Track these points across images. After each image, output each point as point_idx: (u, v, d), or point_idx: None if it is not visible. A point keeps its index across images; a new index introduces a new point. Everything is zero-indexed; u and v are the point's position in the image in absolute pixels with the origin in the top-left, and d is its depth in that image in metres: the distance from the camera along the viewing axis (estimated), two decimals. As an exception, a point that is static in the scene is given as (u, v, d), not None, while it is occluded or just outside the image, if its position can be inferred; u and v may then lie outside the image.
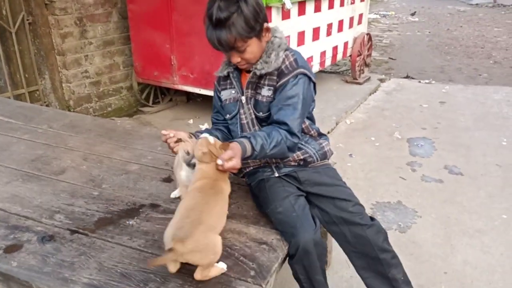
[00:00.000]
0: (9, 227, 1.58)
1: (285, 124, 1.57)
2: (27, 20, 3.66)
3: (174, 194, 1.78)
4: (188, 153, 1.54)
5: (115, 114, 4.44)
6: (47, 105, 3.93)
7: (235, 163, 1.41)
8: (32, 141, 2.30)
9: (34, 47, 3.79)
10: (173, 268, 1.31)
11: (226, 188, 1.47)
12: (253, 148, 1.50)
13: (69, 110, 3.91)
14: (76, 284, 1.31)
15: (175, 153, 1.63)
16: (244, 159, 1.51)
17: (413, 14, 10.62)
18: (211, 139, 1.45)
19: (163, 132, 1.63)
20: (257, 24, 1.55)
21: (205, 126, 4.05)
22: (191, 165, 1.52)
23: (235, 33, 1.51)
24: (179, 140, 1.59)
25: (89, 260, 1.41)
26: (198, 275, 1.30)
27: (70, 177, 1.94)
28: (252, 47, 1.58)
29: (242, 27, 1.51)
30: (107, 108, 4.38)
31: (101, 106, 4.31)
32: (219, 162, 1.39)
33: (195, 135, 1.73)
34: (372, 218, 1.72)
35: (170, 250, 1.24)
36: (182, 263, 1.32)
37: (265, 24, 1.59)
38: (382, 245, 1.68)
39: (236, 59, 1.61)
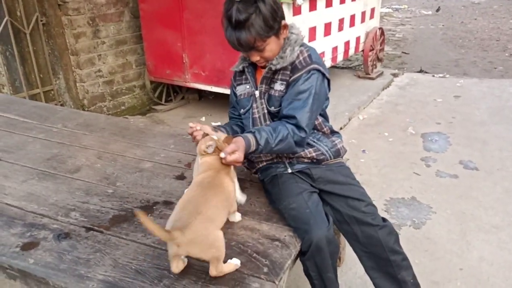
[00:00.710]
0: (25, 225, 1.61)
1: (294, 117, 1.57)
2: (41, 21, 3.71)
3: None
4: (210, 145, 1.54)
5: (128, 112, 4.48)
6: (61, 105, 3.99)
7: (238, 156, 1.42)
8: (47, 140, 2.33)
9: (48, 47, 3.84)
10: (175, 267, 1.32)
11: (228, 181, 1.45)
12: (257, 142, 1.51)
13: (83, 109, 3.96)
14: (92, 281, 1.33)
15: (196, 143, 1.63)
16: (249, 153, 1.52)
17: (437, 10, 10.39)
18: (215, 136, 1.47)
19: (191, 124, 1.63)
20: (275, 23, 1.56)
21: (218, 123, 4.06)
22: None
23: (254, 34, 1.52)
24: (205, 135, 1.58)
25: (104, 257, 1.43)
26: (213, 271, 1.30)
27: (85, 175, 1.97)
28: (271, 45, 1.59)
29: (261, 27, 1.52)
30: (120, 106, 4.42)
31: (115, 105, 4.36)
32: (222, 155, 1.42)
33: (220, 129, 1.75)
34: (384, 219, 1.71)
35: (167, 231, 1.21)
36: (185, 266, 1.34)
37: (283, 22, 1.60)
38: (393, 246, 1.67)
39: (255, 57, 1.63)
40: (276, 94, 1.67)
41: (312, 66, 1.61)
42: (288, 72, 1.64)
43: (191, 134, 1.62)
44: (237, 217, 1.60)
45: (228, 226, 1.53)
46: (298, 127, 1.57)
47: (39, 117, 2.65)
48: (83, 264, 1.40)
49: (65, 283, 1.34)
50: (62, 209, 1.71)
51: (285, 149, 1.60)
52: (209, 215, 1.30)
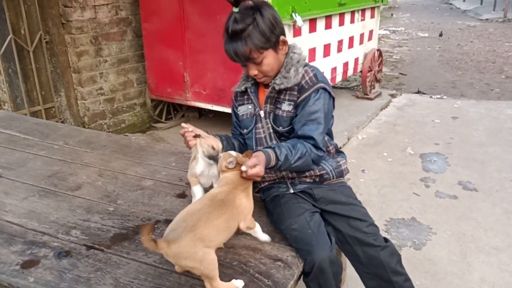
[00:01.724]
0: (26, 243, 1.60)
1: (312, 138, 1.59)
2: (44, 39, 3.75)
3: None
4: (213, 148, 1.55)
5: (128, 130, 4.49)
6: (62, 122, 4.00)
7: (259, 170, 1.42)
8: (48, 157, 2.33)
9: (50, 65, 3.88)
10: (179, 267, 1.36)
11: (242, 197, 1.43)
12: (277, 158, 1.52)
13: (84, 127, 3.97)
14: (93, 300, 1.32)
15: (190, 147, 1.64)
16: (269, 168, 1.53)
17: (440, 35, 10.54)
18: (234, 153, 1.48)
19: (183, 125, 1.65)
20: (272, 36, 1.58)
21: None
22: (216, 160, 1.54)
23: (250, 44, 1.54)
24: (197, 136, 1.60)
25: (105, 276, 1.42)
26: (207, 286, 1.30)
27: (86, 193, 1.96)
28: (269, 59, 1.61)
29: (258, 38, 1.54)
30: (120, 124, 4.44)
31: (115, 123, 4.37)
32: (243, 168, 1.41)
33: (215, 135, 1.75)
34: (386, 240, 1.70)
35: (153, 241, 1.22)
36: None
37: (282, 37, 1.62)
38: (395, 267, 1.66)
39: (253, 71, 1.64)
40: (284, 115, 1.69)
41: (319, 85, 1.64)
42: (295, 93, 1.66)
43: (183, 134, 1.64)
44: (264, 236, 1.57)
45: (230, 245, 1.53)
46: (316, 147, 1.60)
47: (41, 134, 2.66)
48: (84, 283, 1.39)
49: (65, 302, 1.33)
50: (63, 227, 1.70)
51: (303, 166, 1.61)
52: (204, 235, 1.28)
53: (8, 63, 3.61)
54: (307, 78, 1.65)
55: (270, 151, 1.52)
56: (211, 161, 1.57)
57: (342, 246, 1.72)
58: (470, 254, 2.54)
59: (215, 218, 1.33)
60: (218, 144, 1.57)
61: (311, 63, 4.32)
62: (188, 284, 1.37)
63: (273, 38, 1.59)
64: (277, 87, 1.65)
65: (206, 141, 1.57)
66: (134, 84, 4.51)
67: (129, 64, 4.38)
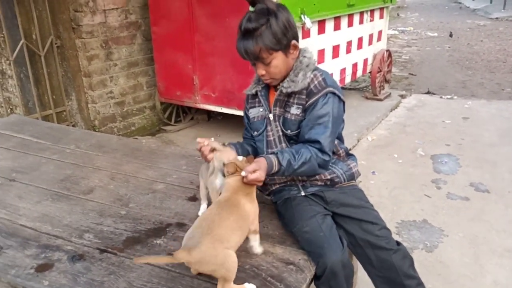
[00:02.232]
0: (40, 246, 1.61)
1: (318, 142, 1.59)
2: (56, 43, 3.79)
3: (200, 211, 1.79)
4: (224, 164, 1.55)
5: (138, 133, 4.52)
6: (73, 125, 4.04)
7: (259, 175, 1.44)
8: (60, 161, 2.36)
9: (61, 69, 3.92)
10: (194, 270, 1.38)
11: (245, 202, 1.44)
12: (279, 163, 1.53)
13: (94, 130, 4.00)
14: (106, 304, 1.33)
15: (208, 161, 1.64)
16: (272, 174, 1.54)
17: (451, 35, 10.45)
18: (240, 157, 1.51)
19: (199, 140, 1.65)
20: (284, 39, 1.59)
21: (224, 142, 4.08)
22: None
23: (261, 44, 1.56)
24: (213, 150, 1.61)
25: (119, 280, 1.43)
26: (219, 287, 1.31)
27: (98, 197, 1.98)
28: (278, 61, 1.61)
29: (269, 39, 1.56)
30: (130, 127, 4.47)
31: (125, 126, 4.40)
32: (243, 173, 1.43)
33: (230, 145, 1.77)
34: (398, 243, 1.69)
35: (169, 254, 1.24)
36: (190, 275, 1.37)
37: (293, 41, 1.63)
38: (408, 271, 1.65)
39: (261, 71, 1.65)
40: (293, 118, 1.69)
41: (328, 89, 1.63)
42: (304, 97, 1.66)
43: (199, 149, 1.65)
44: (258, 248, 1.54)
45: (242, 249, 1.52)
46: (322, 151, 1.59)
47: (53, 138, 2.68)
48: (98, 286, 1.40)
49: (80, 305, 1.34)
50: (76, 231, 1.72)
51: (309, 171, 1.62)
52: (220, 235, 1.31)
53: (20, 68, 3.66)
54: (316, 82, 1.65)
55: (272, 156, 1.53)
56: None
57: (354, 249, 1.71)
58: (482, 257, 2.51)
59: (226, 218, 1.36)
60: (233, 157, 1.57)
61: (320, 65, 4.33)
62: (201, 287, 1.37)
63: (285, 41, 1.60)
64: (284, 90, 1.66)
65: (223, 154, 1.57)
66: (144, 87, 4.54)
67: (138, 67, 4.42)
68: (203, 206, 1.76)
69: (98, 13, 3.88)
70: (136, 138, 4.29)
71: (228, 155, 1.57)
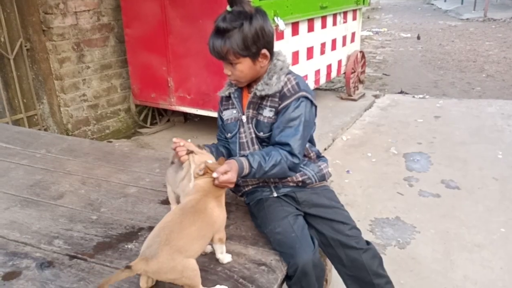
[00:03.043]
0: (7, 254, 1.58)
1: (287, 144, 1.60)
2: (25, 46, 3.71)
3: None
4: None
5: (113, 136, 4.46)
6: (45, 129, 3.96)
7: (230, 176, 1.43)
8: (30, 166, 2.31)
9: (32, 72, 3.84)
10: (144, 283, 1.33)
11: (213, 206, 1.40)
12: (250, 165, 1.53)
13: (68, 134, 3.93)
14: (76, 311, 1.31)
15: (182, 162, 1.60)
16: (243, 177, 1.54)
17: (418, 38, 10.62)
18: (210, 160, 1.48)
19: (174, 140, 1.63)
20: (253, 47, 1.58)
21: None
22: None
23: (228, 45, 1.56)
24: (189, 152, 1.56)
25: (88, 286, 1.41)
26: None
27: (69, 202, 1.95)
28: (243, 66, 1.62)
29: (237, 43, 1.56)
30: (105, 130, 4.41)
31: (99, 129, 4.34)
32: (214, 175, 1.41)
33: (205, 147, 1.75)
34: (368, 242, 1.72)
35: (127, 267, 1.22)
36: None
37: (264, 50, 1.62)
38: (377, 270, 1.68)
39: (227, 71, 1.66)
40: (265, 121, 1.70)
41: (300, 93, 1.64)
42: (277, 99, 1.66)
43: (174, 149, 1.63)
44: (226, 257, 1.50)
45: (213, 252, 1.52)
46: (292, 154, 1.60)
47: (22, 142, 2.62)
48: (67, 293, 1.38)
49: (48, 313, 1.32)
50: (45, 237, 1.68)
51: (279, 173, 1.62)
52: (180, 246, 1.27)
53: (-12, 71, 3.57)
54: (289, 86, 1.66)
55: (243, 158, 1.54)
56: None
57: (325, 249, 1.73)
58: (453, 252, 2.58)
59: (187, 226, 1.31)
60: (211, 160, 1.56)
61: (294, 66, 4.35)
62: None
63: (254, 49, 1.59)
64: (258, 93, 1.66)
65: (200, 157, 1.54)
66: (118, 90, 4.48)
67: (112, 70, 4.36)
68: (172, 207, 1.72)
69: (69, 15, 3.82)
70: (111, 141, 4.24)
71: (205, 158, 1.54)
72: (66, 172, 2.24)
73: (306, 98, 1.65)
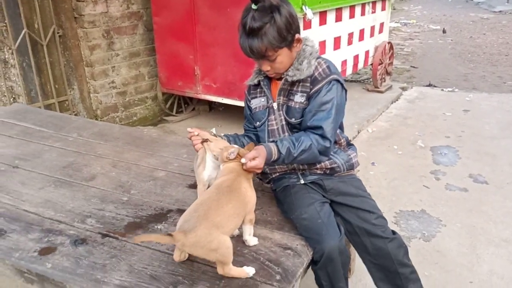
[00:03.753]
0: (43, 231, 1.65)
1: (320, 128, 1.60)
2: (58, 33, 3.80)
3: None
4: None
5: (140, 123, 4.55)
6: (75, 115, 4.06)
7: (258, 162, 1.46)
8: (63, 149, 2.38)
9: (64, 59, 3.93)
10: (177, 256, 1.40)
11: (246, 186, 1.46)
12: (279, 151, 1.54)
13: (97, 120, 4.03)
14: (108, 286, 1.36)
15: (197, 150, 1.68)
16: (272, 162, 1.56)
17: (444, 32, 10.34)
18: (236, 146, 1.52)
19: (189, 129, 1.69)
20: (289, 35, 1.59)
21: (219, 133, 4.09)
22: None
23: (266, 43, 1.56)
24: (204, 140, 1.62)
25: (120, 263, 1.46)
26: (220, 270, 1.35)
27: (100, 183, 2.01)
28: (283, 57, 1.62)
29: (274, 37, 1.55)
30: (132, 117, 4.49)
31: (127, 116, 4.43)
32: (243, 160, 1.45)
33: (223, 136, 1.78)
34: (394, 232, 1.72)
35: (169, 235, 1.27)
36: (199, 272, 1.38)
37: (297, 35, 1.63)
38: (402, 259, 1.68)
39: (266, 67, 1.66)
40: (297, 106, 1.70)
41: (332, 76, 1.64)
42: (308, 84, 1.67)
43: (190, 138, 1.68)
44: (252, 240, 1.54)
45: (240, 234, 1.55)
46: (323, 137, 1.60)
47: (55, 126, 2.71)
48: (100, 269, 1.43)
49: (82, 287, 1.37)
50: (79, 216, 1.75)
51: (309, 159, 1.63)
52: (217, 222, 1.32)
53: (23, 57, 3.67)
54: (320, 70, 1.66)
55: (271, 144, 1.55)
56: (219, 163, 1.58)
57: (351, 237, 1.74)
58: (479, 246, 2.54)
59: (225, 204, 1.37)
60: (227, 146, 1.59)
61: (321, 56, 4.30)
62: (200, 270, 1.40)
63: (289, 37, 1.60)
64: (289, 79, 1.66)
65: (215, 144, 1.59)
66: (146, 78, 4.55)
67: (140, 57, 4.43)
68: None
69: (100, 2, 3.89)
70: (138, 128, 4.31)
71: (220, 145, 1.58)
72: (97, 155, 2.31)
73: (337, 81, 1.66)
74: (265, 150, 1.52)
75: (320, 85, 1.64)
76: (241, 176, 1.46)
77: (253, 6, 1.56)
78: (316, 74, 1.66)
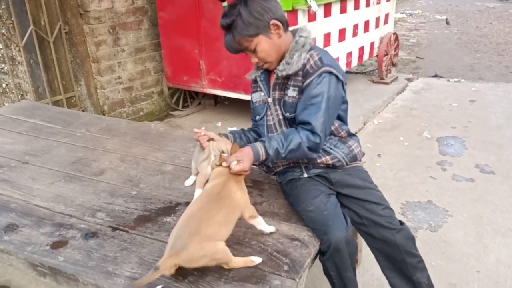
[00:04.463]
0: (54, 225, 1.68)
1: (308, 123, 1.59)
2: (64, 29, 3.82)
3: (188, 182, 1.93)
4: (223, 152, 1.61)
5: (146, 118, 4.58)
6: (83, 110, 4.10)
7: (243, 166, 1.47)
8: (72, 144, 2.42)
9: (70, 55, 3.96)
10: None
11: (236, 190, 1.46)
12: (266, 152, 1.55)
13: (104, 115, 4.06)
14: (119, 277, 1.39)
15: (203, 148, 1.74)
16: (260, 162, 1.59)
17: (447, 23, 10.20)
18: (225, 154, 1.55)
19: (196, 130, 1.75)
20: (259, 22, 1.59)
21: (233, 128, 4.11)
22: None
23: (237, 35, 1.60)
24: (210, 139, 1.70)
25: (131, 255, 1.49)
26: (225, 267, 1.38)
27: (109, 178, 2.04)
28: (262, 45, 1.63)
29: (242, 27, 1.58)
30: (139, 112, 4.52)
31: (134, 111, 4.46)
32: (224, 164, 1.47)
33: (224, 135, 1.83)
34: (401, 223, 1.73)
35: (156, 269, 1.27)
36: None
37: (273, 21, 1.61)
38: (410, 249, 1.70)
39: (253, 59, 1.69)
40: (290, 101, 1.70)
41: (323, 69, 1.60)
42: (300, 78, 1.65)
43: (197, 139, 1.74)
44: (268, 228, 1.57)
45: (248, 226, 1.57)
46: (313, 133, 1.58)
47: (63, 122, 2.74)
48: (111, 261, 1.47)
49: (94, 279, 1.40)
50: (89, 210, 1.78)
51: (299, 156, 1.64)
52: (209, 234, 1.32)
53: (30, 54, 3.70)
54: (311, 62, 1.63)
55: (259, 145, 1.56)
56: None
57: (358, 228, 1.76)
58: (486, 236, 2.55)
59: (215, 214, 1.37)
60: (227, 148, 1.63)
61: (326, 48, 4.31)
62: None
63: (261, 24, 1.60)
64: (279, 74, 1.67)
65: (218, 144, 1.66)
66: (151, 73, 4.58)
67: (146, 53, 4.45)
68: (191, 177, 1.93)
69: (105, -2, 3.91)
70: (145, 123, 4.34)
71: (222, 145, 1.65)
72: (105, 150, 2.34)
73: (330, 73, 1.61)
74: (251, 152, 1.53)
75: (311, 78, 1.61)
76: (230, 179, 1.46)
77: (224, 4, 1.63)
78: (307, 67, 1.63)
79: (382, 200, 1.75)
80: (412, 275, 1.70)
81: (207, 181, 1.59)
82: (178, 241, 1.31)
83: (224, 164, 1.47)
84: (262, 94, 1.81)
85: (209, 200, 1.41)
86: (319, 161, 1.74)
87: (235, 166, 1.46)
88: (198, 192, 1.73)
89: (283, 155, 1.57)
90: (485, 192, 3.03)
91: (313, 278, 2.11)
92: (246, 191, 1.52)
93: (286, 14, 3.52)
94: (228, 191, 1.44)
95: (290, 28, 1.74)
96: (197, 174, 1.85)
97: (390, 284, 1.76)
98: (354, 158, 1.82)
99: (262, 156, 1.55)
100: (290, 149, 1.57)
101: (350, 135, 1.84)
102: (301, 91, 1.66)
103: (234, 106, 4.78)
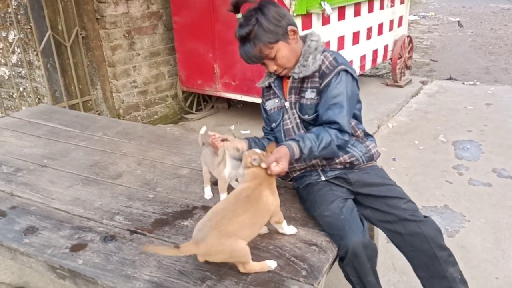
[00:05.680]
0: (73, 228, 1.70)
1: (336, 123, 1.61)
2: (81, 34, 3.88)
3: (208, 195, 1.89)
4: (238, 150, 1.61)
5: (161, 121, 4.61)
6: (99, 114, 4.15)
7: (283, 167, 1.46)
8: (89, 148, 2.45)
9: (87, 59, 4.01)
10: (201, 258, 1.42)
11: (267, 194, 1.45)
12: (301, 151, 1.56)
13: (119, 118, 4.10)
14: (138, 281, 1.40)
15: (216, 149, 1.74)
16: (293, 161, 1.57)
17: (460, 25, 10.06)
18: (258, 150, 1.52)
19: (210, 133, 1.76)
20: (279, 29, 1.63)
21: (247, 131, 4.12)
22: (241, 160, 1.59)
23: (258, 43, 1.61)
24: (224, 140, 1.69)
25: (149, 259, 1.50)
26: (241, 268, 1.38)
27: (127, 181, 2.06)
28: (282, 52, 1.65)
29: (264, 35, 1.60)
30: (153, 116, 4.56)
31: (148, 114, 4.50)
32: (263, 165, 1.44)
33: (241, 138, 1.81)
34: (425, 216, 1.70)
35: (176, 247, 1.32)
36: (227, 267, 1.41)
37: (290, 27, 1.66)
38: (440, 242, 1.65)
39: (272, 67, 1.70)
40: (308, 103, 1.72)
41: (340, 67, 1.65)
42: (317, 79, 1.69)
43: (211, 142, 1.75)
44: (289, 229, 1.59)
45: (268, 232, 1.58)
46: (341, 131, 1.62)
47: (81, 126, 2.78)
48: (129, 265, 1.48)
49: (113, 282, 1.41)
50: (107, 213, 1.80)
51: (328, 155, 1.66)
52: (229, 231, 1.33)
53: (47, 59, 3.76)
54: (327, 62, 1.67)
55: (294, 145, 1.55)
56: (238, 161, 1.64)
57: (383, 226, 1.72)
58: (505, 242, 2.51)
59: (240, 214, 1.37)
60: (242, 146, 1.62)
61: (340, 51, 4.31)
62: (227, 266, 1.43)
63: (280, 31, 1.64)
64: (296, 76, 1.69)
65: (232, 143, 1.64)
66: (166, 77, 4.62)
67: (160, 57, 4.49)
68: (208, 189, 1.89)
69: (120, 3, 3.95)
70: (160, 126, 4.38)
71: (236, 143, 1.63)
72: (122, 153, 2.36)
73: (346, 71, 1.66)
74: (288, 151, 1.52)
75: (329, 78, 1.65)
76: (263, 182, 1.45)
77: (238, 16, 1.67)
78: (323, 67, 1.67)
79: (403, 194, 1.74)
80: (445, 270, 1.64)
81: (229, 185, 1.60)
82: (199, 233, 1.35)
83: (263, 165, 1.45)
84: (277, 100, 1.83)
85: (236, 201, 1.43)
86: (337, 161, 1.74)
87: (275, 168, 1.44)
88: (223, 196, 1.73)
89: (316, 154, 1.58)
90: (503, 197, 2.99)
91: (329, 283, 2.10)
92: (278, 195, 1.52)
93: (300, 18, 3.54)
94: (260, 194, 1.43)
95: (300, 34, 1.77)
96: (209, 178, 1.87)
97: (423, 285, 1.71)
98: (371, 158, 1.82)
99: (297, 155, 1.55)
100: (322, 147, 1.58)
101: (367, 135, 1.85)
102: (319, 92, 1.69)
103: (247, 109, 4.80)
